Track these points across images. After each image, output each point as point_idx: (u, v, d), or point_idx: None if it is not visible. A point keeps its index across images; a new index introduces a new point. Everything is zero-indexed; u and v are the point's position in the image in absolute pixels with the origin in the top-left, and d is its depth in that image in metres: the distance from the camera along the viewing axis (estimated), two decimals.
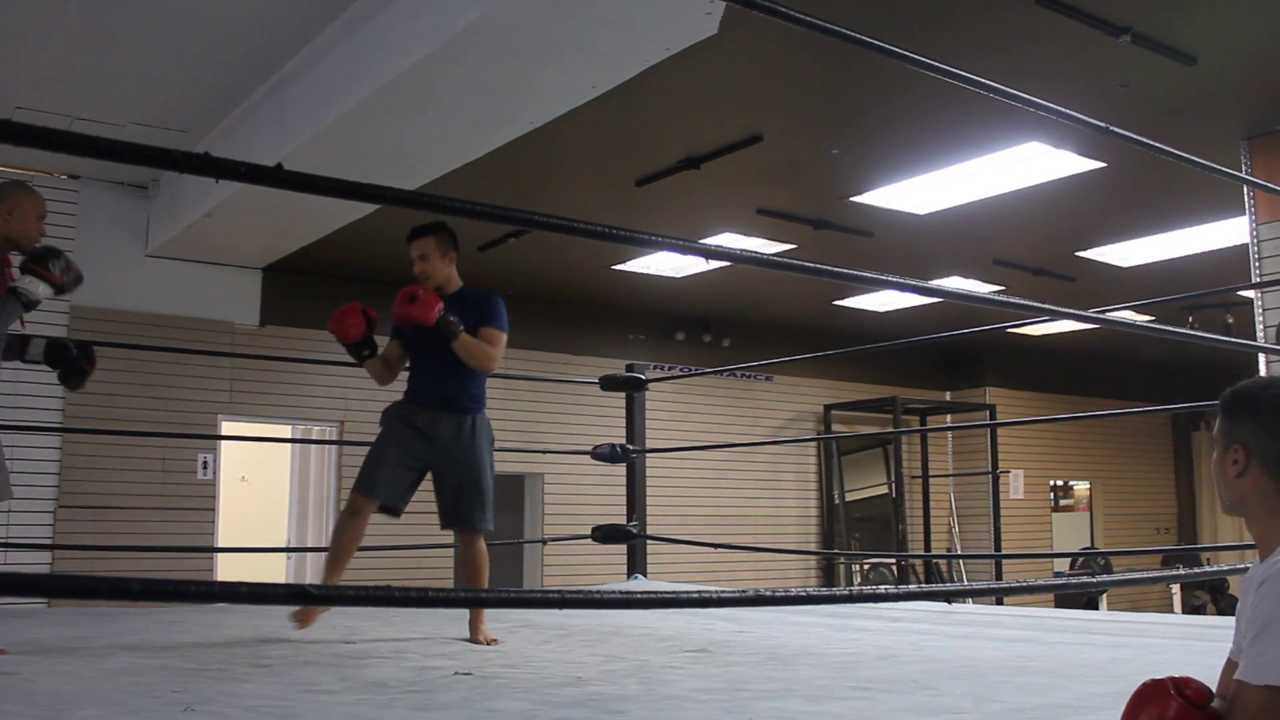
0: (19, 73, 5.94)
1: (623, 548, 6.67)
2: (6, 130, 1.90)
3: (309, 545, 10.21)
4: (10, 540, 6.93)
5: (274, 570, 9.80)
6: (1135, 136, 2.68)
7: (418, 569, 10.14)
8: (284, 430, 9.96)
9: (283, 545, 9.91)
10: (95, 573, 3.94)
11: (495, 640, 4.50)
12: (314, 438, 10.31)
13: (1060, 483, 15.17)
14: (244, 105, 6.63)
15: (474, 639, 4.53)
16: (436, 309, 4.49)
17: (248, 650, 4.05)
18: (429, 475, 4.77)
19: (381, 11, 5.26)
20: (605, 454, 5.97)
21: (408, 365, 4.91)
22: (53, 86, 6.10)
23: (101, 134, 1.73)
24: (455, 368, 4.65)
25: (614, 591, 1.75)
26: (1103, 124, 2.64)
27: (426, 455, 4.69)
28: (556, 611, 5.55)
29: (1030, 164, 7.21)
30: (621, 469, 6.59)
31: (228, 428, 9.11)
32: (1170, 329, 3.56)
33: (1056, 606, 10.63)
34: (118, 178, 8.15)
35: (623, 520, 6.45)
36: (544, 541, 10.11)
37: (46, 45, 5.69)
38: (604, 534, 6.13)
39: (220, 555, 8.77)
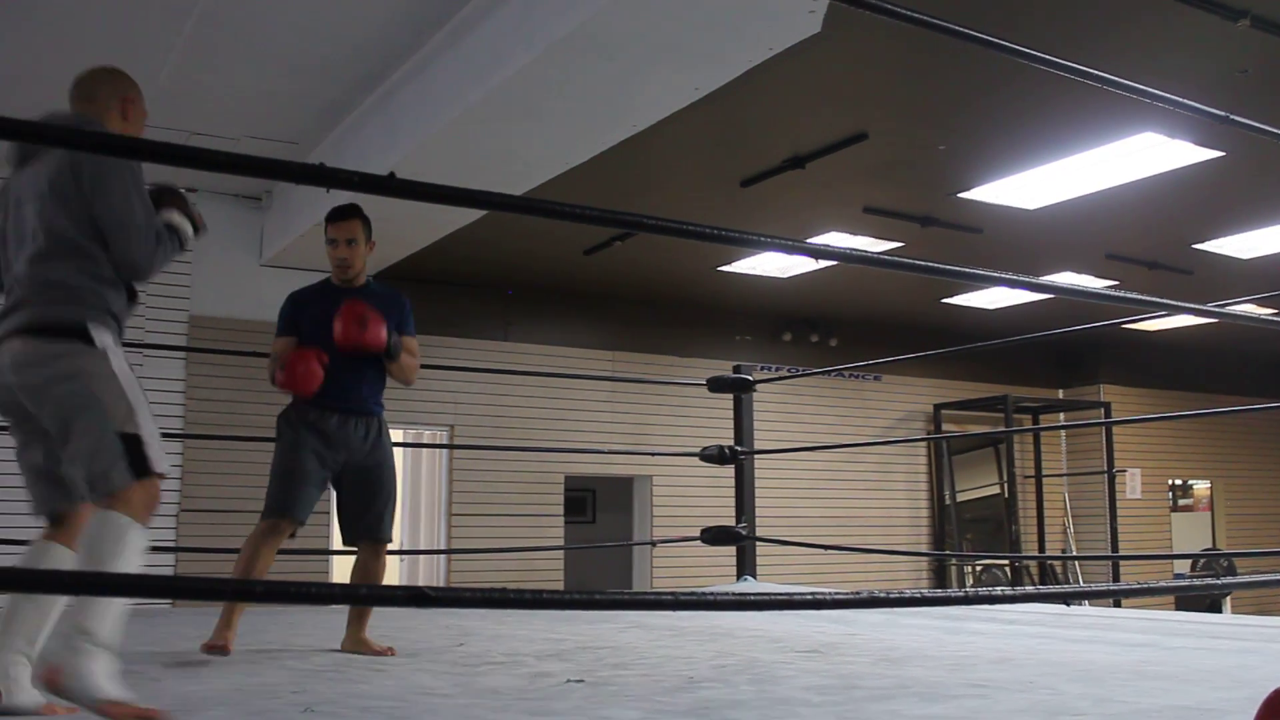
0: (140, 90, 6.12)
1: (732, 549, 6.65)
2: (132, 147, 1.96)
3: (422, 548, 10.37)
4: None
5: (389, 573, 9.95)
6: (1257, 124, 2.60)
7: (529, 570, 10.25)
8: (395, 435, 10.12)
9: (395, 548, 10.05)
10: (218, 575, 4.03)
11: (390, 650, 4.08)
12: (425, 441, 10.47)
13: (1179, 482, 14.78)
14: (353, 116, 6.76)
15: (361, 650, 4.08)
16: (384, 334, 4.10)
17: (365, 653, 4.12)
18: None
19: (486, 19, 5.32)
20: (714, 455, 5.96)
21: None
22: (170, 103, 6.27)
23: (217, 148, 1.78)
24: (366, 369, 4.23)
25: (726, 593, 1.75)
26: (1222, 112, 2.57)
27: (337, 464, 4.24)
28: (668, 613, 5.56)
29: (1144, 155, 7.05)
30: (730, 470, 6.57)
31: None
32: None
33: (1177, 609, 10.37)
34: (232, 190, 8.37)
35: (731, 522, 6.43)
36: (653, 543, 10.13)
37: (164, 64, 5.86)
38: (713, 536, 6.12)
39: (335, 558, 8.93)
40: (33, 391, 2.75)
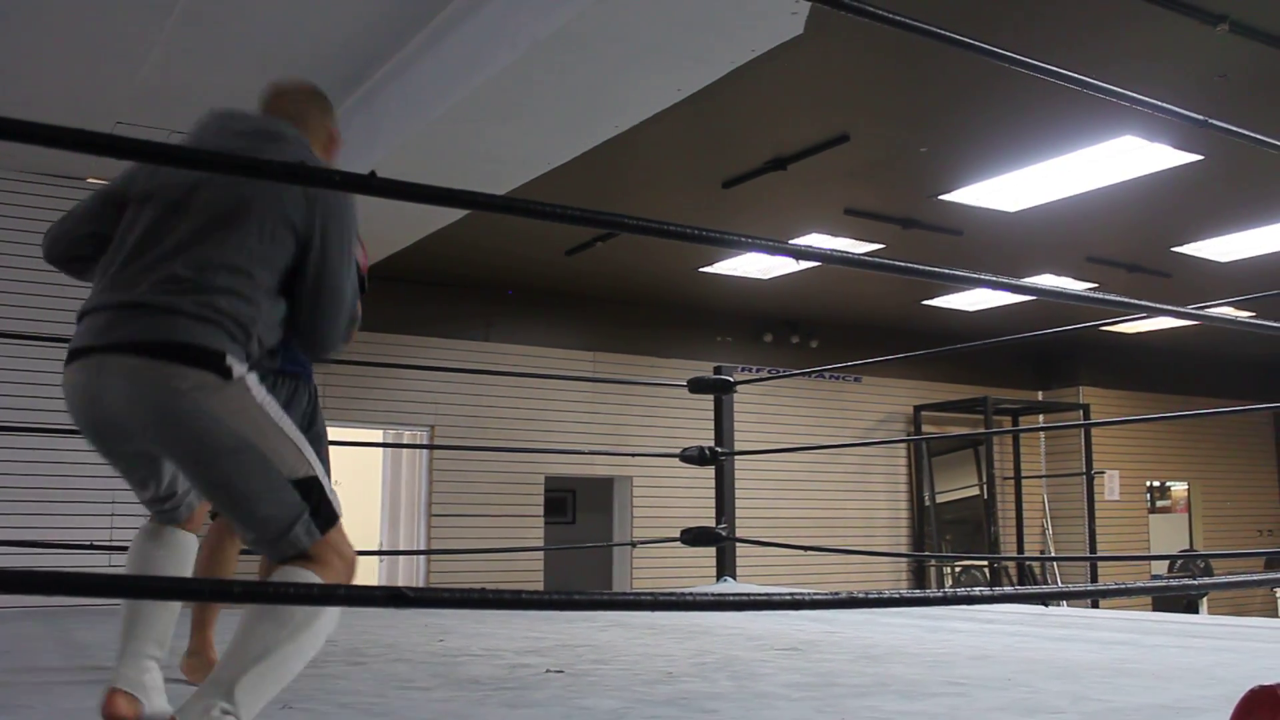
0: (119, 89, 6.10)
1: (712, 550, 6.66)
2: (110, 144, 1.96)
3: (401, 549, 10.36)
4: (116, 544, 7.11)
5: (367, 574, 9.94)
6: (1236, 129, 2.62)
7: (509, 571, 10.24)
8: (375, 435, 10.11)
9: (375, 549, 10.04)
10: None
11: None
12: (405, 442, 10.45)
13: (1157, 484, 14.86)
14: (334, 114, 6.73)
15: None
16: None
17: (343, 649, 4.12)
18: None
19: (468, 19, 5.32)
20: (694, 456, 5.97)
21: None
22: (151, 101, 6.25)
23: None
24: None
25: (705, 594, 1.76)
26: (1201, 116, 2.58)
27: None
28: (648, 613, 5.56)
29: (1124, 158, 7.09)
30: (710, 471, 6.58)
31: None
32: (1273, 325, 3.48)
33: (1155, 610, 10.42)
34: None
35: (711, 523, 6.45)
36: (633, 544, 10.14)
37: (144, 62, 5.83)
38: (693, 536, 6.13)
39: None
40: (146, 428, 2.21)
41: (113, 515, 7.09)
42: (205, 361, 2.17)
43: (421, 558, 10.16)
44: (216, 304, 2.22)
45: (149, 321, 2.20)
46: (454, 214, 7.06)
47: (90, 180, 7.39)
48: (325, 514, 2.21)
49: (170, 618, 2.52)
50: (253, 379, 2.24)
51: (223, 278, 2.24)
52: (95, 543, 5.76)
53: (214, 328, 2.20)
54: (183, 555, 2.64)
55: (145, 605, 2.47)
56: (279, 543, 2.17)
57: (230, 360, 2.19)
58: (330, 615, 2.18)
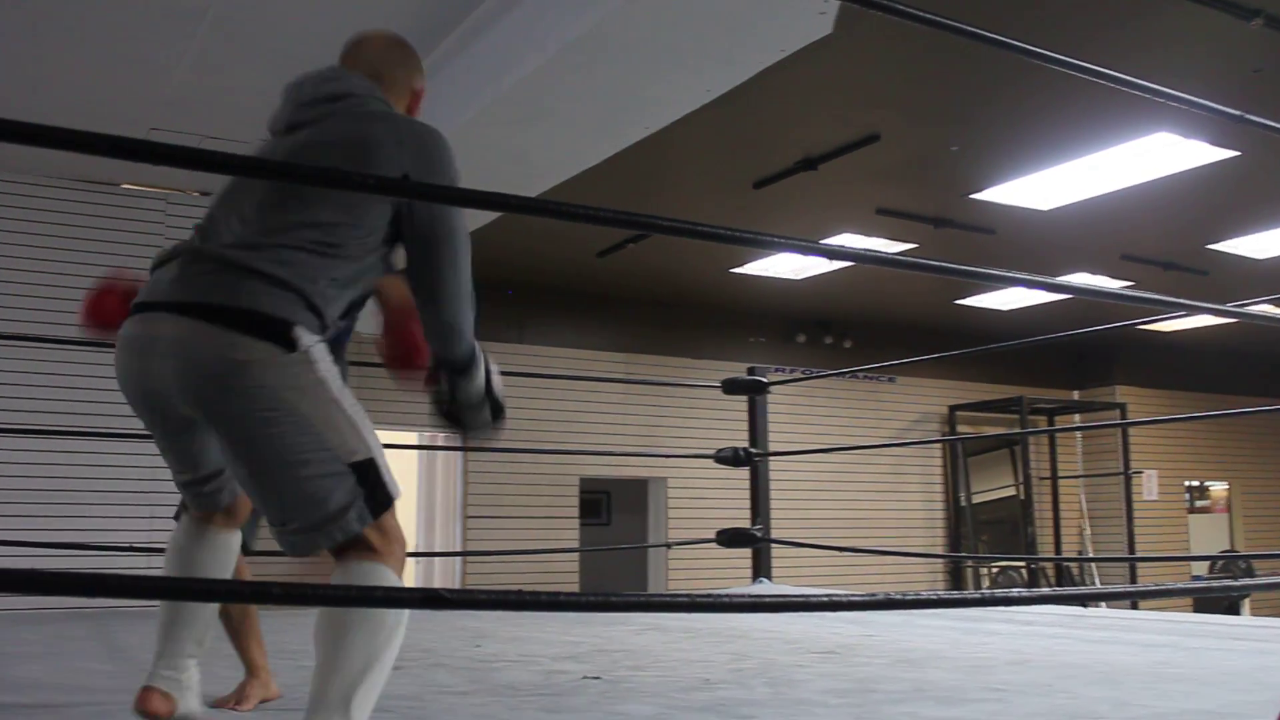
0: (153, 94, 6.15)
1: (747, 552, 6.64)
2: (144, 150, 1.96)
3: (437, 551, 10.38)
4: (155, 545, 7.16)
5: (404, 575, 9.96)
6: (1273, 124, 2.59)
7: (544, 573, 10.24)
8: (410, 437, 10.14)
9: (410, 551, 10.05)
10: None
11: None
12: (439, 444, 10.47)
13: (1196, 483, 14.71)
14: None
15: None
16: None
17: None
18: None
19: (497, 22, 5.33)
20: (728, 458, 5.95)
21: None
22: (184, 107, 6.29)
23: (230, 151, 1.79)
24: None
25: (742, 595, 1.74)
26: (1237, 112, 2.55)
27: None
28: (684, 616, 5.55)
29: (1159, 155, 7.02)
30: (745, 472, 6.56)
31: None
32: None
33: (1195, 611, 10.31)
34: None
35: (747, 524, 6.42)
36: (668, 545, 10.12)
37: (177, 69, 5.87)
38: (728, 538, 6.11)
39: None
40: (195, 395, 2.07)
41: (151, 517, 7.14)
42: (270, 332, 2.02)
43: (457, 560, 10.18)
44: (294, 263, 2.07)
45: (215, 280, 2.06)
46: (485, 216, 7.07)
47: (125, 186, 7.46)
48: (380, 497, 2.06)
49: (210, 616, 2.45)
50: (319, 350, 2.08)
51: (304, 234, 2.10)
52: (135, 544, 5.79)
53: (285, 292, 2.05)
54: (225, 556, 2.51)
55: (185, 604, 2.38)
56: (326, 528, 2.01)
57: (298, 331, 2.04)
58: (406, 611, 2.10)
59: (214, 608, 2.46)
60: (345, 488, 2.02)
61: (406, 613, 2.06)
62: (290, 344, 2.02)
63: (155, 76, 5.92)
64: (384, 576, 2.04)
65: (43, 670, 3.72)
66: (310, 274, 2.08)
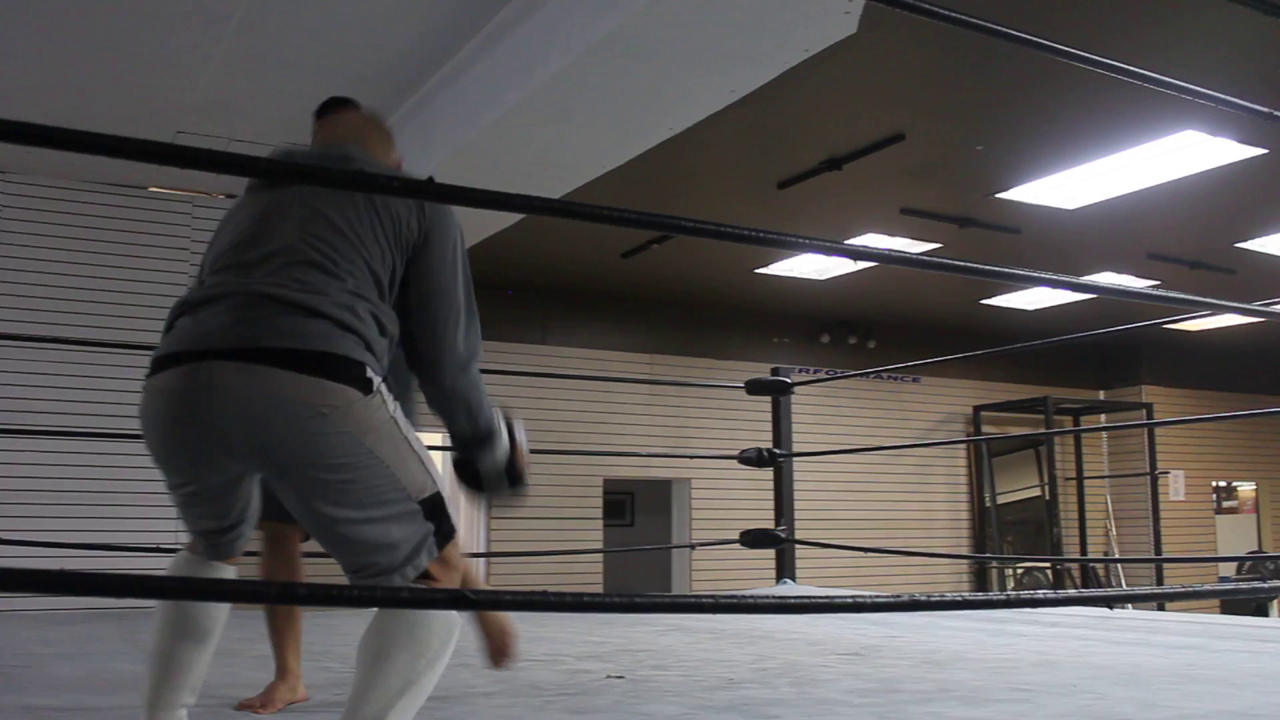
0: (180, 98, 6.18)
1: (771, 552, 6.63)
2: (171, 154, 1.97)
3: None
4: (181, 547, 7.20)
5: None
6: None
7: (568, 574, 10.25)
8: (434, 439, 10.16)
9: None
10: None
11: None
12: None
13: (1223, 484, 14.61)
14: (390, 121, 6.75)
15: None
16: None
17: None
18: None
19: (520, 25, 5.34)
20: (752, 458, 5.94)
21: None
22: (210, 110, 6.32)
23: (256, 154, 1.80)
24: None
25: (766, 596, 1.75)
26: (1266, 109, 2.54)
27: None
28: (708, 616, 5.55)
29: (1186, 153, 6.98)
30: (768, 473, 6.55)
31: None
32: None
33: (1222, 613, 10.25)
34: None
35: (770, 524, 6.42)
36: (692, 546, 10.11)
37: (204, 72, 5.91)
38: (752, 538, 6.10)
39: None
40: (273, 451, 1.95)
41: (179, 519, 7.18)
42: (348, 375, 1.94)
43: (481, 560, 10.20)
44: (354, 305, 2.01)
45: (283, 323, 1.95)
46: (509, 218, 7.09)
47: (152, 189, 7.50)
48: (446, 530, 2.04)
49: (205, 661, 2.24)
50: (386, 389, 2.03)
51: (354, 270, 2.05)
52: (162, 545, 5.82)
53: (351, 335, 1.98)
54: None
55: (182, 651, 2.17)
56: (402, 569, 1.98)
57: (370, 373, 1.98)
58: (456, 631, 2.02)
59: (210, 651, 2.23)
60: (417, 526, 1.99)
61: (453, 641, 2.01)
62: (367, 386, 1.96)
63: (182, 80, 5.96)
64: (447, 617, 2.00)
65: (72, 670, 3.75)
66: (362, 315, 2.02)
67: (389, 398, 2.02)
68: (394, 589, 1.90)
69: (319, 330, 1.94)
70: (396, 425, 2.01)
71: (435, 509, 2.02)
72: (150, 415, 2.02)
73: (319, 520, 1.99)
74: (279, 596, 1.77)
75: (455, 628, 2.00)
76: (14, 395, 6.85)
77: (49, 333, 6.45)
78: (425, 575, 2.00)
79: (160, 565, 6.60)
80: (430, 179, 2.01)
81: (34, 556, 5.34)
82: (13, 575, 1.24)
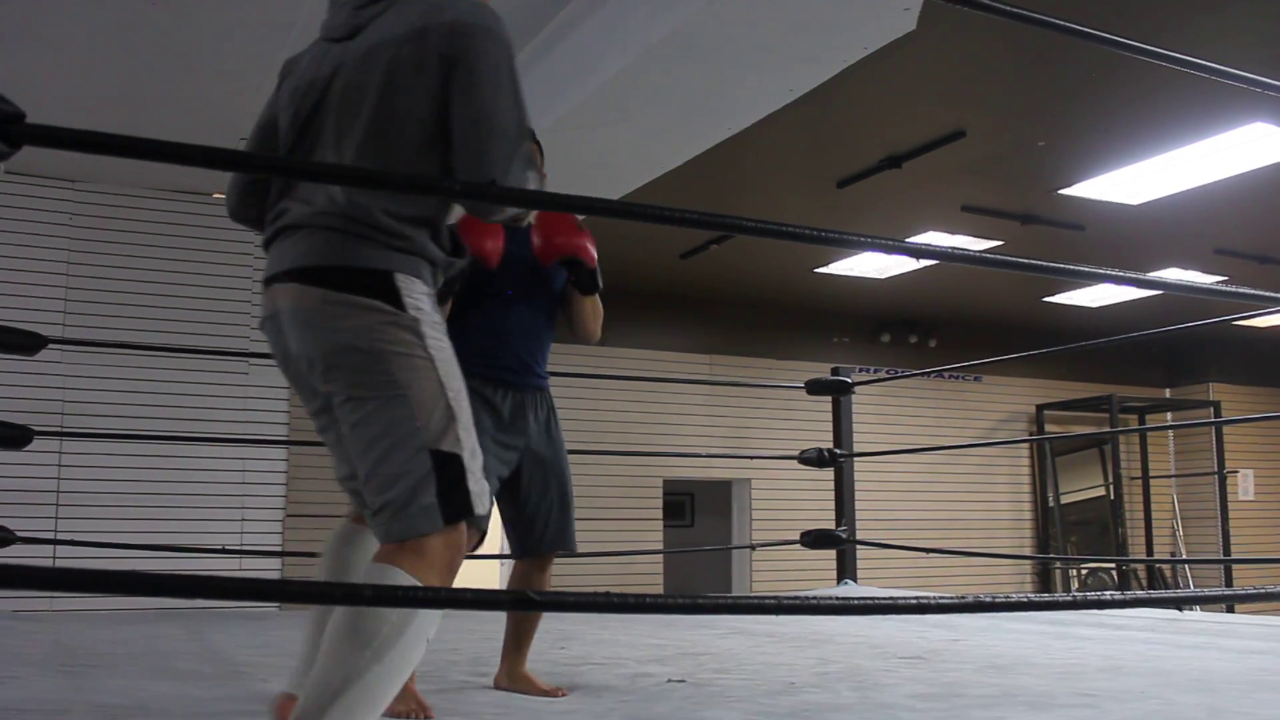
0: (241, 105, 6.26)
1: (832, 553, 6.60)
2: (235, 160, 2.00)
3: None
4: (245, 548, 7.29)
5: (489, 577, 10.05)
6: None
7: (628, 575, 10.25)
8: None
9: (495, 553, 10.14)
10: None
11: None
12: None
13: None
14: None
15: (522, 688, 3.29)
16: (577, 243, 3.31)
17: (466, 657, 4.17)
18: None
19: (579, 26, 5.35)
20: (813, 458, 5.92)
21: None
22: None
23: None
24: (542, 327, 3.35)
25: (829, 597, 1.73)
26: None
27: (515, 457, 3.26)
28: (769, 619, 5.53)
29: (1254, 146, 6.86)
30: (829, 473, 6.52)
31: None
32: None
33: None
34: None
35: (831, 525, 6.38)
36: (752, 547, 10.08)
37: (265, 79, 5.97)
38: (813, 539, 6.07)
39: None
40: (314, 365, 1.99)
41: (243, 520, 7.28)
42: (372, 286, 1.92)
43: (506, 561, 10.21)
44: (374, 216, 1.96)
45: (307, 245, 1.98)
46: None
47: (216, 195, 7.61)
48: (456, 502, 1.88)
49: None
50: (428, 313, 1.96)
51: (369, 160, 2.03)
52: (227, 547, 5.91)
53: (375, 244, 1.95)
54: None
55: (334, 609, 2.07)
56: (399, 516, 1.85)
57: (400, 280, 1.94)
58: (424, 621, 1.83)
59: None
60: (417, 475, 1.87)
61: (410, 631, 1.79)
62: (395, 296, 1.93)
63: (244, 88, 6.03)
64: (396, 579, 1.83)
65: (141, 670, 3.80)
66: (397, 212, 1.98)
67: (431, 325, 1.96)
68: (458, 591, 1.67)
69: (338, 244, 1.97)
70: (430, 356, 1.93)
71: (446, 468, 1.89)
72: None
73: (352, 450, 1.98)
74: (344, 598, 1.77)
75: (413, 615, 1.80)
76: (84, 399, 6.97)
77: (117, 338, 6.56)
78: (411, 550, 1.85)
79: (226, 567, 6.71)
80: (492, 182, 2.02)
81: (105, 557, 5.44)
82: (84, 576, 1.26)
